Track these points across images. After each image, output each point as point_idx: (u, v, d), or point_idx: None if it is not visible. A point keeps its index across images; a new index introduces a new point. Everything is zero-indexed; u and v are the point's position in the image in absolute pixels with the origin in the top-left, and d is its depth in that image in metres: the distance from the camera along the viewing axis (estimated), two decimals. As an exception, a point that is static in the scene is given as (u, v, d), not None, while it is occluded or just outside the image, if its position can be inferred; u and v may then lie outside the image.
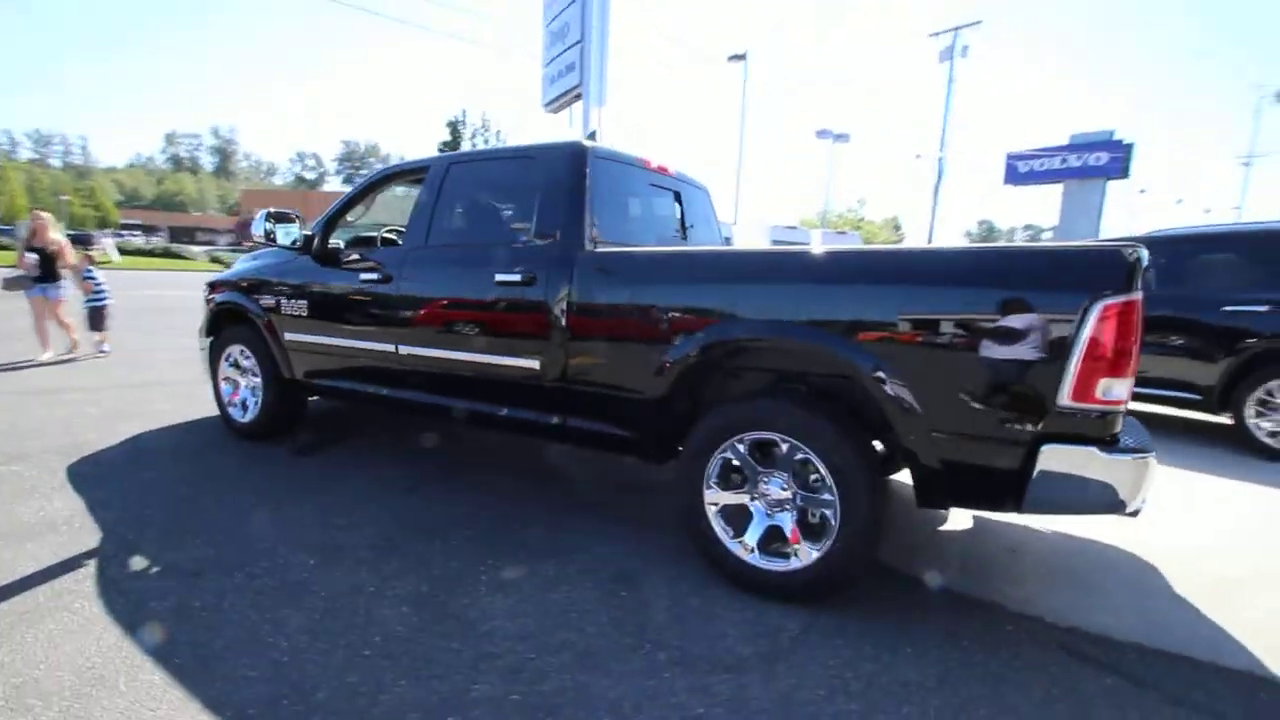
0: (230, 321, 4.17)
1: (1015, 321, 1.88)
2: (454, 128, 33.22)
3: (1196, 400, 4.85)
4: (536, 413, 2.91)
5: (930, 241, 26.75)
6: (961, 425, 1.98)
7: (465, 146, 34.49)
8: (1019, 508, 1.96)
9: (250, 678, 1.84)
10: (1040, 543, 2.99)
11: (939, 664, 1.99)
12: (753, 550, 2.36)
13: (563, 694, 1.82)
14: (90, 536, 2.68)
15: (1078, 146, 22.32)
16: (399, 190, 3.89)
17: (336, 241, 3.80)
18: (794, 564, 2.28)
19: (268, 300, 3.85)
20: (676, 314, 2.47)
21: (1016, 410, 1.91)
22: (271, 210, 3.57)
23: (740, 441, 2.35)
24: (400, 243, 3.46)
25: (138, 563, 2.48)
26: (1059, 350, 1.83)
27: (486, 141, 34.07)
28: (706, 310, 2.41)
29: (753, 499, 2.39)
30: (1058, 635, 2.18)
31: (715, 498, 2.44)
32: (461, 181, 3.31)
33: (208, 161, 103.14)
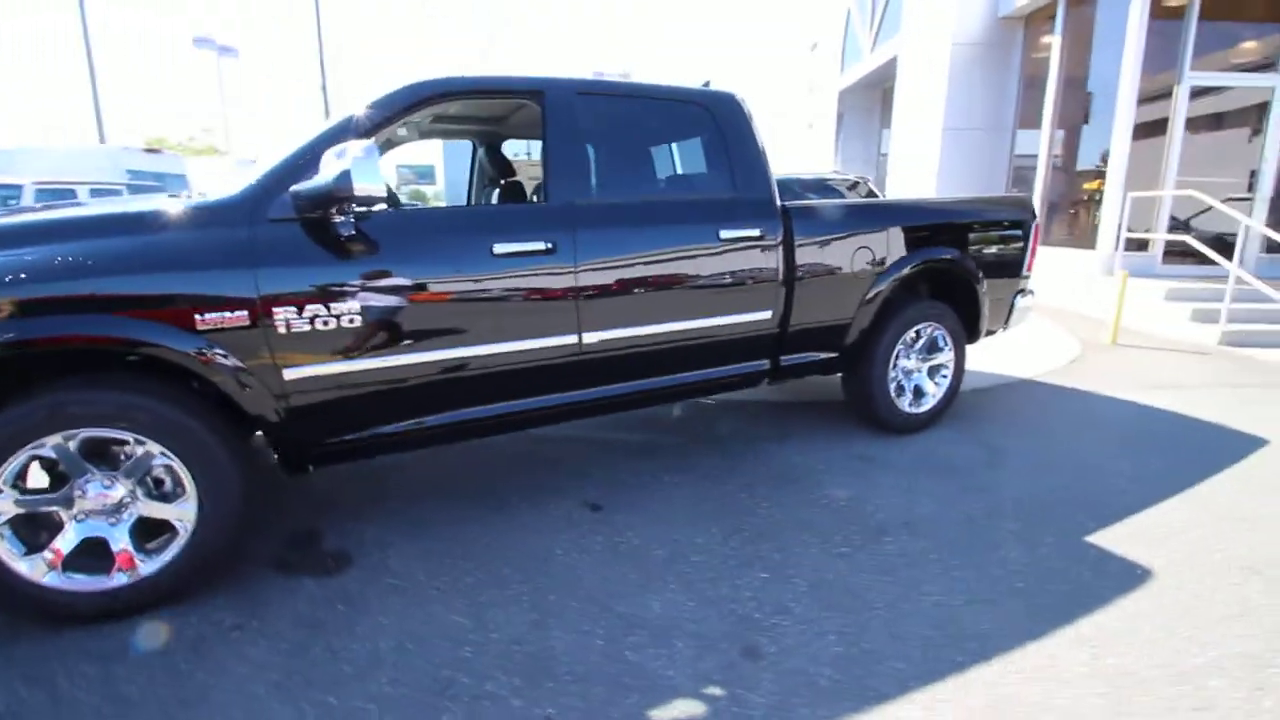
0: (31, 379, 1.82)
1: (1015, 233, 3.73)
2: None
3: None
4: (754, 362, 3.05)
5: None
6: (996, 292, 3.73)
7: None
8: (1004, 330, 3.91)
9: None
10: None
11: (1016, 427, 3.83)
12: (910, 403, 3.56)
13: (1009, 515, 2.77)
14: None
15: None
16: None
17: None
18: (929, 403, 3.63)
19: (227, 315, 1.97)
20: (882, 252, 3.25)
21: (1014, 279, 3.79)
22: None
23: (909, 334, 3.45)
24: (537, 197, 2.47)
25: None
26: (1025, 247, 3.77)
27: None
28: (892, 250, 3.29)
29: (900, 372, 3.55)
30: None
31: (888, 375, 3.46)
32: (602, 120, 2.65)
33: None
